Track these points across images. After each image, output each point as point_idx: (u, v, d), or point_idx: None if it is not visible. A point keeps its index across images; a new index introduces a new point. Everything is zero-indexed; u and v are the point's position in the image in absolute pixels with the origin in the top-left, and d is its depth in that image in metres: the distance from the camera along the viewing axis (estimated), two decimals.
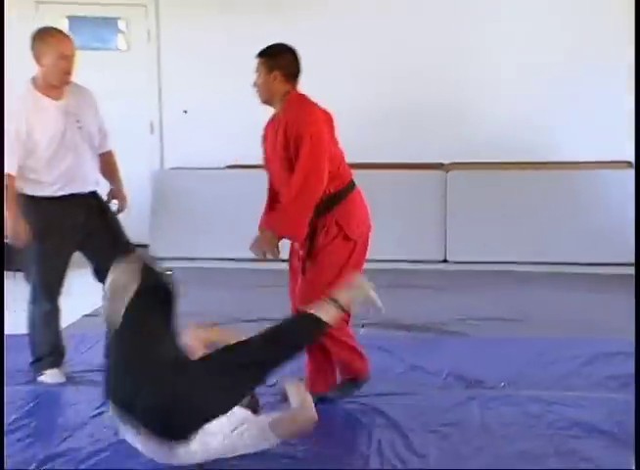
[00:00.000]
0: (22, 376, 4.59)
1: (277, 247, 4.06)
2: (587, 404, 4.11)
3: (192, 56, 7.85)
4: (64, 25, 7.78)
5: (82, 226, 4.45)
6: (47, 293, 4.50)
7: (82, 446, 3.69)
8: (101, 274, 4.37)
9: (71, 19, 7.82)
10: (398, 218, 7.25)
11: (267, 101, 4.10)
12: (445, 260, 7.31)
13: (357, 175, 7.25)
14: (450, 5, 7.58)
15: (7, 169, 4.18)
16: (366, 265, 6.96)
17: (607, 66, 7.50)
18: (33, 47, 4.31)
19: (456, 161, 7.60)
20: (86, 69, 7.72)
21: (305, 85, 7.73)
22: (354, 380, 4.24)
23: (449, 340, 5.26)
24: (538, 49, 7.55)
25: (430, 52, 7.62)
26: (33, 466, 3.50)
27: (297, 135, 3.89)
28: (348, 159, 7.52)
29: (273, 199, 4.24)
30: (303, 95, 4.15)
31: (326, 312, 3.56)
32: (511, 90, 7.64)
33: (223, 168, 7.67)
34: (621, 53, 7.34)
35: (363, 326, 5.48)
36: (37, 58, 4.28)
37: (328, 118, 4.12)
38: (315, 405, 3.39)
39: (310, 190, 3.88)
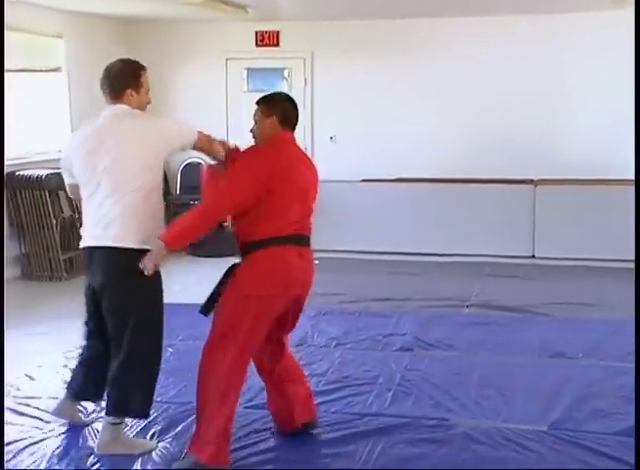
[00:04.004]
0: None
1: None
2: None
3: (337, 95, 8.00)
4: (244, 75, 8.14)
5: None
6: None
7: None
8: None
9: (250, 70, 8.08)
10: (497, 222, 7.21)
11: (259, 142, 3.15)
12: (533, 256, 7.18)
13: (467, 188, 7.35)
14: (541, 56, 7.45)
15: None
16: (472, 259, 7.10)
17: None
18: None
19: (543, 177, 7.47)
20: None
21: (428, 113, 7.86)
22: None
23: (537, 319, 5.17)
24: (612, 87, 7.31)
25: (525, 92, 7.50)
26: None
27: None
28: (459, 175, 7.63)
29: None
30: (286, 138, 3.13)
31: None
32: (587, 125, 7.44)
33: (358, 181, 7.78)
34: None
35: (467, 307, 5.49)
36: None
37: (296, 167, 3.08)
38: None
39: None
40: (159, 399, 3.54)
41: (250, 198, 2.92)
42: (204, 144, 3.20)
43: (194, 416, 3.10)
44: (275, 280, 2.98)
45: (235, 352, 2.95)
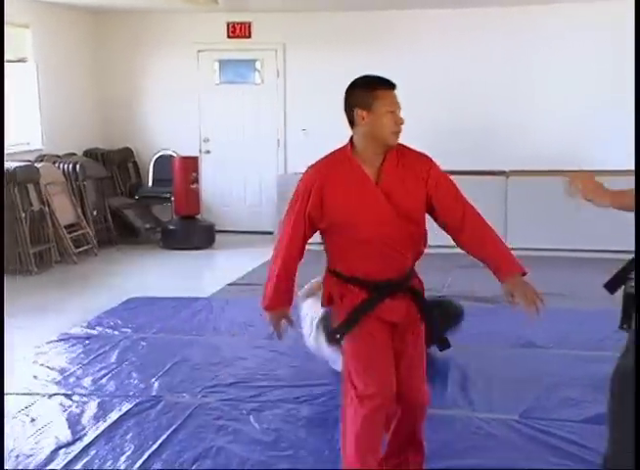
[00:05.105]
0: None
1: None
2: None
3: (309, 87, 7.98)
4: (215, 67, 8.10)
5: None
6: None
7: None
8: None
9: (221, 61, 8.06)
10: None
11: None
12: None
13: None
14: (512, 48, 7.51)
15: None
16: (445, 250, 7.07)
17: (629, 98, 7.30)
18: None
19: (515, 169, 7.54)
20: (231, 98, 8.09)
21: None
22: None
23: (509, 309, 5.18)
24: (580, 84, 7.41)
25: (497, 84, 7.56)
26: None
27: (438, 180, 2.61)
28: None
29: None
30: None
31: None
32: (557, 117, 7.52)
33: None
34: None
35: (440, 298, 5.49)
36: None
37: None
38: None
39: None
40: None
41: None
42: None
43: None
44: None
45: None
